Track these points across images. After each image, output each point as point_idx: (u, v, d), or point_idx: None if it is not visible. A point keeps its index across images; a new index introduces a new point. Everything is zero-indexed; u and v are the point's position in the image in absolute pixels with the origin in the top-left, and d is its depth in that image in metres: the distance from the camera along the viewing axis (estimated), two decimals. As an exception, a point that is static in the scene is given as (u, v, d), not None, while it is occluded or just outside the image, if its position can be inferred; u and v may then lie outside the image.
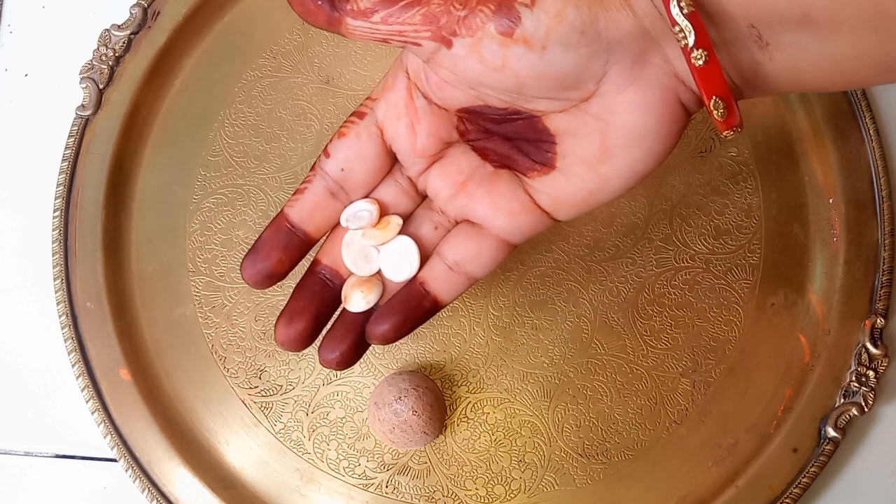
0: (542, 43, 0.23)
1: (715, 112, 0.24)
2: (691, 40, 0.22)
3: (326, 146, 0.28)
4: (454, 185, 0.28)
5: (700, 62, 0.23)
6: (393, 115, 0.27)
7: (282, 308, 0.28)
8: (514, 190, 0.28)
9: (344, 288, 0.28)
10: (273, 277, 0.28)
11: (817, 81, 0.24)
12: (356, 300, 0.28)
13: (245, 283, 0.28)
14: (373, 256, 0.28)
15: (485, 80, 0.25)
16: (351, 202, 0.28)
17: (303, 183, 0.28)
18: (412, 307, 0.28)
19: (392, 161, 0.28)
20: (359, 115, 0.28)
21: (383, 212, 0.29)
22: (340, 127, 0.28)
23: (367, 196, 0.29)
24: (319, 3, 0.25)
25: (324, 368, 0.40)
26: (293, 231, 0.28)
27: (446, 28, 0.24)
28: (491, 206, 0.28)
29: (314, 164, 0.28)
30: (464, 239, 0.28)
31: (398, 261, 0.28)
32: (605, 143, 0.25)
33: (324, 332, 0.29)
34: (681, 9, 0.22)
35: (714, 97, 0.23)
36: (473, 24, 0.24)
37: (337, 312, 0.29)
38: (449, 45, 0.24)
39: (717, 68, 0.23)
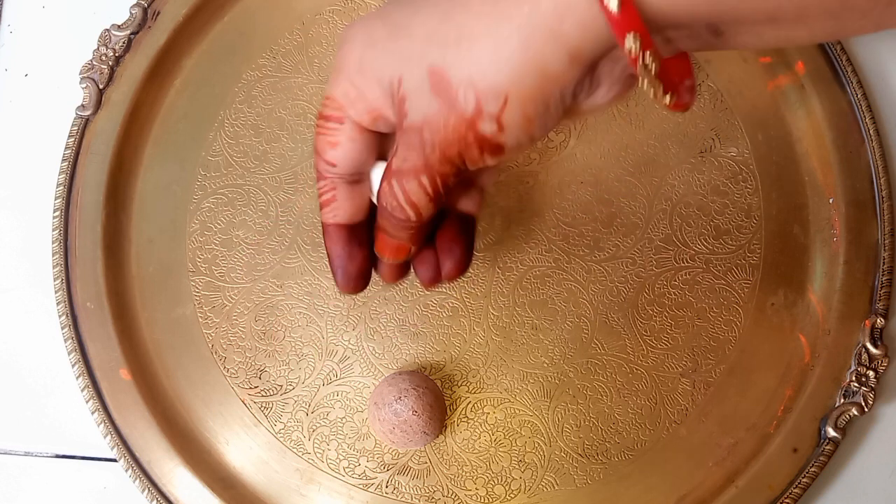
0: (520, 149, 0.25)
1: (666, 99, 0.23)
2: (636, 48, 0.22)
3: (324, 157, 0.28)
4: None
5: (651, 73, 0.22)
6: (366, 119, 0.27)
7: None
8: None
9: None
10: (368, 274, 0.30)
11: (762, 48, 0.25)
12: (377, 171, 0.29)
13: (347, 294, 0.30)
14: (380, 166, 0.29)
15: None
16: (373, 167, 0.30)
17: (325, 193, 0.29)
18: (457, 224, 0.30)
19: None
20: (336, 119, 0.28)
21: None
22: (324, 134, 0.28)
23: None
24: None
25: (323, 368, 0.40)
26: (352, 228, 0.30)
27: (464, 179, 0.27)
28: None
29: (322, 173, 0.29)
30: None
31: None
32: (571, 117, 0.27)
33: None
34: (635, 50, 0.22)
35: (663, 88, 0.23)
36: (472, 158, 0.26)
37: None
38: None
39: (660, 88, 0.23)
